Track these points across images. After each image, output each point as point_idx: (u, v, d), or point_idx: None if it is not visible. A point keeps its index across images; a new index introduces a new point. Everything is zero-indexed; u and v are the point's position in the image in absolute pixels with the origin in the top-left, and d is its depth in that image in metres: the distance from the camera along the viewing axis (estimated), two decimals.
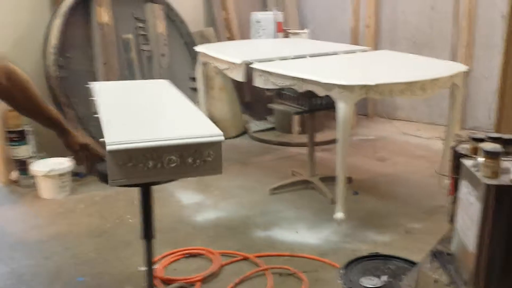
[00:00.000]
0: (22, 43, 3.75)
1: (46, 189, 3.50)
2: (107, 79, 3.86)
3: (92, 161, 1.85)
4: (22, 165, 3.64)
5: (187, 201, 3.49)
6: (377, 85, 2.68)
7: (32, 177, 3.58)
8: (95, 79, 3.86)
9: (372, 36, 5.16)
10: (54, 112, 1.83)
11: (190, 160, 1.49)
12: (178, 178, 1.56)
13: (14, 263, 2.72)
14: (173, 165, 1.47)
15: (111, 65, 3.90)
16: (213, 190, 3.65)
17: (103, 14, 3.86)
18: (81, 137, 1.82)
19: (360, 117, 5.34)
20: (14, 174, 3.71)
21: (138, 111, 1.97)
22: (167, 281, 2.51)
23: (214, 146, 1.50)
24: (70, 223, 3.17)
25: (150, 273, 2.13)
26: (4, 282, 2.53)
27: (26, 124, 3.72)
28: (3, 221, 3.21)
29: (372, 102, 5.39)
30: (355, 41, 4.98)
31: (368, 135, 4.87)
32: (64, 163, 3.53)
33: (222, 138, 1.51)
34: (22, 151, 3.63)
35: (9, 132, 3.57)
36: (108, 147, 1.44)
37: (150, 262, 2.12)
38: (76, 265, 2.69)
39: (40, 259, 2.76)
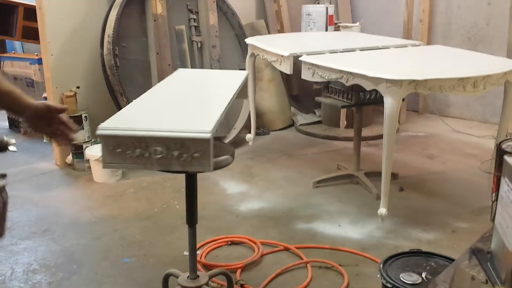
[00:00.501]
0: (81, 32, 3.90)
1: (98, 173, 3.65)
2: (160, 68, 3.96)
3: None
4: (77, 149, 3.81)
5: (231, 190, 3.55)
6: (426, 80, 2.63)
7: (87, 161, 3.74)
8: (148, 69, 3.99)
9: (426, 30, 5.05)
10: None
11: (176, 153, 1.51)
12: (165, 169, 1.58)
13: (66, 242, 2.86)
14: (159, 156, 1.51)
15: (164, 55, 4.01)
16: (258, 181, 3.70)
17: (157, 5, 3.96)
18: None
19: (410, 113, 5.25)
20: (70, 158, 3.88)
21: (170, 101, 2.03)
22: (209, 267, 2.58)
23: (201, 142, 1.50)
24: (120, 206, 3.30)
25: (193, 258, 2.20)
26: (56, 260, 2.68)
27: (83, 111, 3.89)
28: (58, 202, 3.38)
29: (423, 98, 5.28)
30: (407, 36, 4.88)
31: (417, 132, 4.78)
32: None
33: (208, 135, 1.49)
34: (78, 136, 3.80)
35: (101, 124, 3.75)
36: (98, 131, 1.54)
37: (194, 247, 2.18)
38: (124, 246, 2.81)
39: (90, 239, 2.89)
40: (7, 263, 2.65)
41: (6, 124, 5.10)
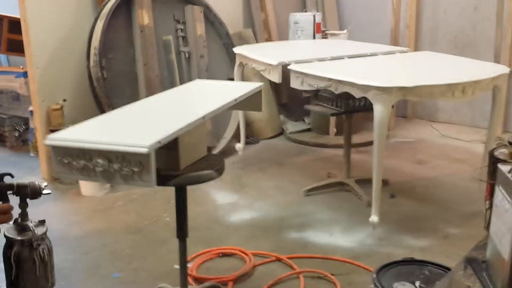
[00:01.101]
0: (66, 45, 3.87)
1: (87, 187, 3.60)
2: (147, 79, 3.94)
3: None
4: None
5: (222, 200, 3.52)
6: (415, 87, 2.63)
7: None
8: (136, 80, 3.96)
9: (413, 36, 5.08)
10: None
11: (117, 166, 1.49)
12: (107, 182, 1.59)
13: (54, 257, 2.80)
14: (101, 168, 1.50)
15: (151, 66, 3.98)
16: (248, 190, 3.67)
17: (144, 16, 3.93)
18: None
19: (399, 119, 5.26)
20: None
21: (140, 113, 2.00)
22: (200, 280, 2.54)
23: (139, 156, 1.47)
24: (109, 220, 3.25)
25: (184, 271, 2.17)
26: None
27: (69, 123, 3.84)
28: (45, 217, 3.29)
29: (411, 104, 5.29)
30: (395, 42, 4.91)
31: (407, 137, 4.79)
32: None
33: (145, 150, 1.45)
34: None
35: (52, 130, 3.68)
36: (45, 141, 1.57)
37: (184, 261, 2.16)
38: (113, 261, 2.76)
39: (79, 255, 2.84)
40: None
41: None
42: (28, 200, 1.46)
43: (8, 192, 1.37)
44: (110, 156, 1.48)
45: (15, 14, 5.09)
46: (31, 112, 4.08)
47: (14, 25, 5.46)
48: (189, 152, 1.95)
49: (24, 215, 1.29)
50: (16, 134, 4.74)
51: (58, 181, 3.83)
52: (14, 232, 1.26)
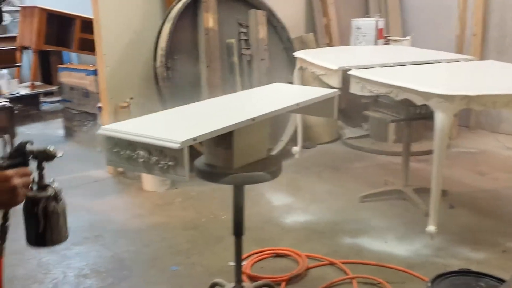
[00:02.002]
0: (135, 45, 4.04)
1: (149, 182, 3.74)
2: (210, 81, 4.05)
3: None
4: None
5: (277, 202, 3.57)
6: (478, 96, 2.58)
7: None
8: (199, 81, 4.08)
9: (479, 45, 4.93)
10: None
11: (155, 159, 1.56)
12: (147, 172, 1.64)
13: (116, 248, 2.95)
14: (142, 159, 1.58)
15: (214, 68, 4.09)
16: (304, 194, 3.70)
17: (209, 20, 4.05)
18: None
19: (462, 128, 5.12)
20: None
21: (194, 113, 2.06)
22: (254, 278, 2.60)
23: (174, 151, 1.53)
24: (168, 215, 3.38)
25: (239, 268, 2.23)
26: (106, 266, 2.76)
27: None
28: (109, 209, 3.49)
29: (475, 113, 5.14)
30: (460, 50, 4.79)
31: (469, 148, 4.67)
32: None
33: (177, 145, 1.50)
34: None
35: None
36: (98, 131, 1.68)
37: (239, 258, 2.22)
38: (172, 254, 2.87)
39: (140, 246, 2.97)
40: (59, 267, 2.76)
41: (61, 132, 5.31)
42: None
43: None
44: (150, 148, 1.57)
45: (87, 15, 5.37)
46: (99, 108, 4.28)
47: (86, 25, 5.77)
48: (245, 152, 2.00)
49: (42, 176, 1.43)
50: (84, 129, 4.99)
51: (122, 175, 4.01)
52: (36, 191, 1.40)
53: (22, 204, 1.38)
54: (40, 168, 1.46)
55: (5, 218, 1.41)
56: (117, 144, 1.63)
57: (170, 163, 1.54)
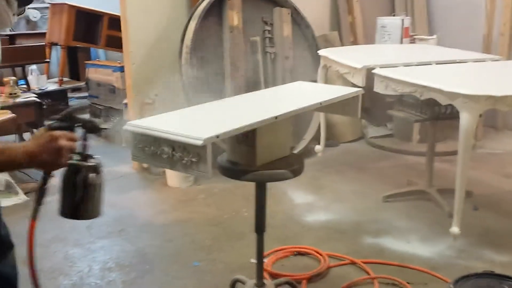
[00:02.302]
0: (161, 43, 4.09)
1: (172, 178, 3.79)
2: (233, 78, 4.07)
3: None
4: None
5: (299, 200, 3.58)
6: (504, 97, 2.55)
7: None
8: (223, 78, 4.11)
9: (506, 44, 4.83)
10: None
11: (178, 155, 1.58)
12: (171, 168, 1.65)
13: (140, 243, 3.00)
14: (165, 155, 1.60)
15: (238, 66, 4.11)
16: (326, 192, 3.70)
17: (234, 18, 4.07)
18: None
19: (488, 129, 5.04)
20: None
21: (217, 110, 2.07)
22: (275, 275, 2.61)
23: (197, 148, 1.54)
24: (191, 211, 3.42)
25: (260, 265, 2.25)
26: (130, 260, 2.82)
27: None
28: (134, 204, 3.55)
29: (502, 114, 5.06)
30: (487, 50, 4.71)
31: (495, 149, 4.59)
32: None
33: (200, 142, 1.52)
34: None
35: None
36: (125, 127, 1.70)
37: (261, 255, 2.24)
38: (194, 250, 2.90)
39: (163, 241, 3.01)
40: (85, 260, 2.82)
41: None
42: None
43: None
44: (174, 145, 1.60)
45: (114, 12, 5.45)
46: (125, 104, 4.35)
47: (113, 22, 5.84)
48: (268, 150, 2.01)
49: (85, 146, 1.43)
50: (110, 124, 5.06)
51: (147, 171, 4.07)
52: (79, 160, 1.41)
53: (62, 171, 1.41)
54: (84, 138, 1.48)
55: (45, 180, 1.42)
56: (142, 140, 1.66)
57: (193, 159, 1.56)
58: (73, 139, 1.38)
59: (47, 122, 1.43)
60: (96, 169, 1.43)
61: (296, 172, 2.04)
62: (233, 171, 1.98)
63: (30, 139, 1.35)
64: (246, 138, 1.94)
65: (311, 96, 2.26)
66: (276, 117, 1.86)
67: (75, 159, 1.40)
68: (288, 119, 2.01)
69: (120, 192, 3.74)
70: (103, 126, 1.57)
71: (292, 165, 2.04)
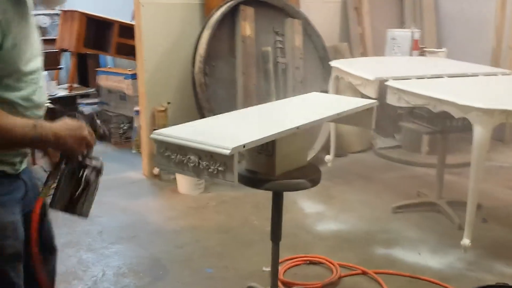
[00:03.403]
0: (174, 52, 4.13)
1: (183, 185, 3.82)
2: (245, 87, 4.11)
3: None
4: None
5: (309, 209, 3.60)
6: None
7: (172, 172, 3.92)
8: (234, 87, 4.14)
9: None
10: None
11: (205, 164, 1.62)
12: (197, 177, 1.69)
13: (152, 248, 3.03)
14: (192, 164, 1.64)
15: (249, 75, 4.15)
16: (335, 202, 3.73)
17: (246, 28, 4.12)
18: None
19: (496, 142, 5.06)
20: (157, 169, 4.09)
21: (241, 119, 2.11)
22: (287, 284, 2.63)
23: (224, 157, 1.58)
24: (202, 218, 3.44)
25: (275, 273, 2.27)
26: (143, 266, 2.84)
27: (172, 125, 4.08)
28: (145, 211, 3.57)
29: (510, 127, 5.08)
30: (495, 63, 4.75)
31: (503, 162, 4.62)
32: None
33: (226, 152, 1.56)
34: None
35: (156, 130, 3.95)
36: (151, 135, 1.76)
37: (276, 263, 2.26)
38: (205, 256, 2.92)
39: (174, 248, 3.03)
40: (98, 265, 2.84)
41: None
42: None
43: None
44: (200, 154, 1.63)
45: (125, 20, 5.50)
46: (136, 111, 4.38)
47: (123, 30, 5.88)
48: (287, 160, 2.04)
49: (92, 149, 1.53)
50: (121, 131, 5.11)
51: (157, 178, 4.10)
52: (86, 159, 1.49)
53: (67, 166, 1.48)
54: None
55: (59, 164, 1.49)
56: (168, 148, 1.69)
57: (220, 168, 1.59)
58: (92, 135, 1.48)
59: (74, 113, 1.52)
60: (99, 170, 1.52)
61: (314, 181, 2.07)
62: (252, 180, 2.01)
63: (57, 121, 1.42)
64: (266, 147, 1.97)
65: (328, 107, 2.28)
66: (297, 127, 1.89)
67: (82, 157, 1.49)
68: (306, 129, 2.04)
69: (131, 198, 3.77)
70: (109, 133, 1.66)
71: (310, 175, 2.07)
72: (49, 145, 1.45)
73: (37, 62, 1.52)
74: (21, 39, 1.43)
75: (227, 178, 1.59)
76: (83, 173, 1.50)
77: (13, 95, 1.43)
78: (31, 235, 1.45)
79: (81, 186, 1.50)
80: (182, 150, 1.66)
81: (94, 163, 1.51)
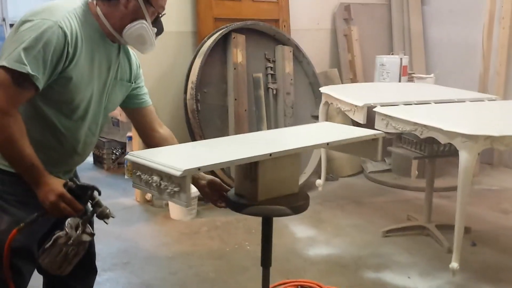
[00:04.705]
0: (167, 78, 4.20)
1: (175, 211, 3.84)
2: (237, 113, 4.17)
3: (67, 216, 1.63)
4: None
5: (300, 234, 3.63)
6: (502, 137, 2.64)
7: None
8: (226, 113, 4.21)
9: (502, 84, 4.99)
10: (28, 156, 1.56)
11: (164, 184, 1.67)
12: (159, 196, 1.76)
13: (145, 275, 3.04)
14: (155, 184, 1.70)
15: (241, 101, 4.22)
16: (326, 226, 3.76)
17: (238, 55, 4.21)
18: (58, 185, 1.60)
19: (484, 166, 5.15)
20: (149, 195, 4.12)
21: (229, 145, 2.17)
22: None
23: (178, 179, 1.63)
24: (194, 244, 3.46)
25: None
26: None
27: None
28: (138, 237, 3.59)
29: (498, 151, 5.17)
30: (483, 89, 4.85)
31: (491, 185, 4.68)
32: (193, 188, 3.85)
33: (179, 173, 1.61)
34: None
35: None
36: (127, 156, 1.84)
37: None
38: (198, 283, 2.94)
39: (167, 274, 3.05)
40: None
41: (90, 159, 5.46)
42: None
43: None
44: (161, 174, 1.70)
45: None
46: (129, 137, 4.42)
47: None
48: (273, 185, 2.07)
49: (89, 219, 1.69)
50: (113, 157, 5.14)
51: (150, 203, 4.12)
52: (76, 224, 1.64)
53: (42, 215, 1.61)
54: (88, 213, 1.68)
55: (42, 214, 1.61)
56: (139, 168, 1.76)
57: (175, 189, 1.65)
58: (76, 210, 1.61)
59: (66, 180, 1.65)
60: (83, 244, 1.64)
61: (296, 209, 2.08)
62: (235, 204, 2.07)
63: (51, 179, 1.59)
64: (250, 173, 2.01)
65: (327, 135, 2.28)
66: (270, 154, 1.95)
67: (72, 222, 1.61)
68: (296, 156, 2.08)
69: (124, 224, 3.78)
70: (111, 215, 1.72)
71: (294, 202, 2.10)
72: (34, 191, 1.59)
73: (96, 108, 1.74)
74: (86, 78, 1.64)
75: (181, 198, 1.65)
76: (55, 232, 1.62)
77: (57, 119, 1.65)
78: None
79: (48, 243, 1.62)
80: (148, 170, 1.73)
81: (69, 230, 1.61)
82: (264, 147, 2.05)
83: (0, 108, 1.48)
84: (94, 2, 1.68)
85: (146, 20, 1.69)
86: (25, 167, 1.55)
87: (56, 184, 1.58)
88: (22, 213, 1.63)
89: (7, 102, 1.49)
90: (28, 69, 1.48)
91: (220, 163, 1.81)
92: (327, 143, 2.14)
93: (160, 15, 1.77)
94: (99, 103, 1.76)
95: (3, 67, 1.48)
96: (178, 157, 1.86)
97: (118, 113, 5.06)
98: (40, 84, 1.53)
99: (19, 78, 1.49)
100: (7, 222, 1.61)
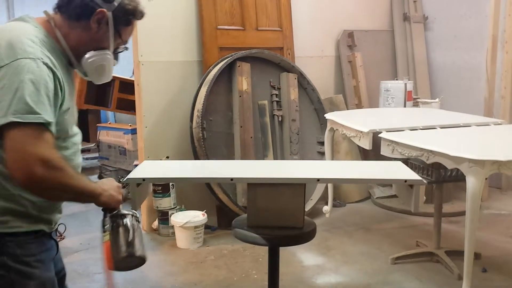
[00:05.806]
0: (173, 107, 4.23)
1: (182, 239, 3.82)
2: (243, 141, 4.18)
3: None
4: (163, 216, 4.03)
5: (308, 262, 3.59)
6: (510, 161, 2.63)
7: (171, 227, 3.94)
8: (232, 141, 4.22)
9: (508, 108, 4.97)
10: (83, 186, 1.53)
11: (125, 193, 1.83)
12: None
13: None
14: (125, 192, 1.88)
15: (247, 128, 4.24)
16: (334, 254, 3.72)
17: (243, 83, 4.24)
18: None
19: (493, 190, 5.10)
20: (156, 223, 4.10)
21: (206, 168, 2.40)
22: None
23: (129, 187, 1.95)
24: (201, 273, 3.43)
25: None
26: None
27: None
28: (144, 266, 3.47)
29: (506, 175, 5.12)
30: (488, 113, 4.84)
31: (500, 210, 4.63)
32: (199, 216, 3.85)
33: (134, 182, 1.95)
34: (165, 203, 4.03)
35: (156, 185, 3.99)
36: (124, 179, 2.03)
37: None
38: None
39: None
40: None
41: (95, 178, 5.48)
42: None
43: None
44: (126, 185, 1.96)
45: (125, 76, 5.64)
46: (136, 166, 4.42)
47: (124, 85, 6.02)
48: (267, 213, 2.06)
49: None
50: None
51: (156, 232, 4.10)
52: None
53: (111, 219, 1.67)
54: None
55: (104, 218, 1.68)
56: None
57: (129, 195, 1.94)
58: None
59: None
60: (136, 216, 1.74)
61: (272, 241, 2.10)
62: (227, 224, 2.17)
63: (103, 184, 1.65)
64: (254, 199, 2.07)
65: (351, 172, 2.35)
66: (231, 179, 2.09)
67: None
68: (299, 187, 2.06)
69: None
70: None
71: (281, 233, 2.09)
72: (96, 199, 1.59)
73: (76, 126, 1.67)
74: (71, 103, 1.59)
75: (132, 203, 1.97)
76: (125, 221, 1.68)
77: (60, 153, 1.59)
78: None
79: (130, 231, 1.68)
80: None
81: (128, 211, 1.70)
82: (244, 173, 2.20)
83: (41, 162, 1.36)
84: (52, 22, 1.54)
85: (109, 51, 1.58)
86: (85, 197, 1.55)
87: (111, 183, 1.64)
88: (46, 272, 1.55)
89: (43, 154, 1.37)
90: (44, 117, 1.37)
91: (166, 177, 2.26)
92: (318, 179, 2.25)
93: (121, 50, 1.66)
94: (76, 118, 1.70)
95: (12, 123, 1.33)
96: (154, 172, 2.19)
97: (125, 141, 5.11)
98: (53, 129, 1.43)
99: (36, 131, 1.36)
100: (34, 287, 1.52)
